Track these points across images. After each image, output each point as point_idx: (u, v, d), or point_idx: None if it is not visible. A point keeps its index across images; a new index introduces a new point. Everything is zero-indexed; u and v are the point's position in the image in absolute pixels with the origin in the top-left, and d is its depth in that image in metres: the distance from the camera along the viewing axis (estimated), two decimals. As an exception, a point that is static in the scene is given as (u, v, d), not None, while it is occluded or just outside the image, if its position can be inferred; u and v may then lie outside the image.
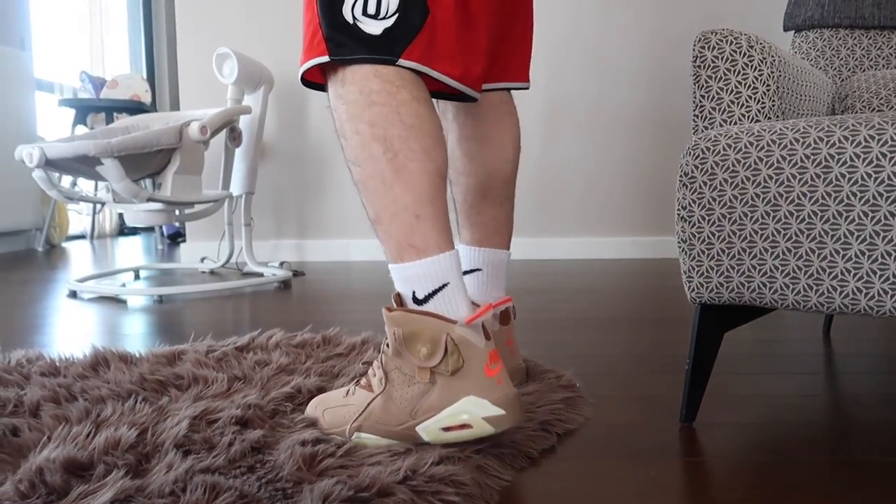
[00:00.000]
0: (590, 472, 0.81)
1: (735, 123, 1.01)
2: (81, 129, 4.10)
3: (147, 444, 0.79)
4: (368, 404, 0.83)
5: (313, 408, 0.91)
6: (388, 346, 0.84)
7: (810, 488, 0.75)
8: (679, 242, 0.93)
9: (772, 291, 0.86)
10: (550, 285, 2.22)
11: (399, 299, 0.85)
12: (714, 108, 1.01)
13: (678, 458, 0.84)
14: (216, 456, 0.76)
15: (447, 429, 0.81)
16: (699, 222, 0.91)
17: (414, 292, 0.83)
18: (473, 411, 0.80)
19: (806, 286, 0.84)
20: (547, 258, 3.01)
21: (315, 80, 0.90)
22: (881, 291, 0.79)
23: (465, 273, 1.10)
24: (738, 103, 1.01)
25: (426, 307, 0.83)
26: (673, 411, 1.00)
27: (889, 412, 0.98)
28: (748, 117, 1.01)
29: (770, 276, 0.86)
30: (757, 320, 1.65)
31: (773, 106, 1.02)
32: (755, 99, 1.00)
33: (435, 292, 0.83)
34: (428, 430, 0.81)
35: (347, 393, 0.88)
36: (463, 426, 0.80)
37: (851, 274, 0.80)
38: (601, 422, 0.97)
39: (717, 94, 1.01)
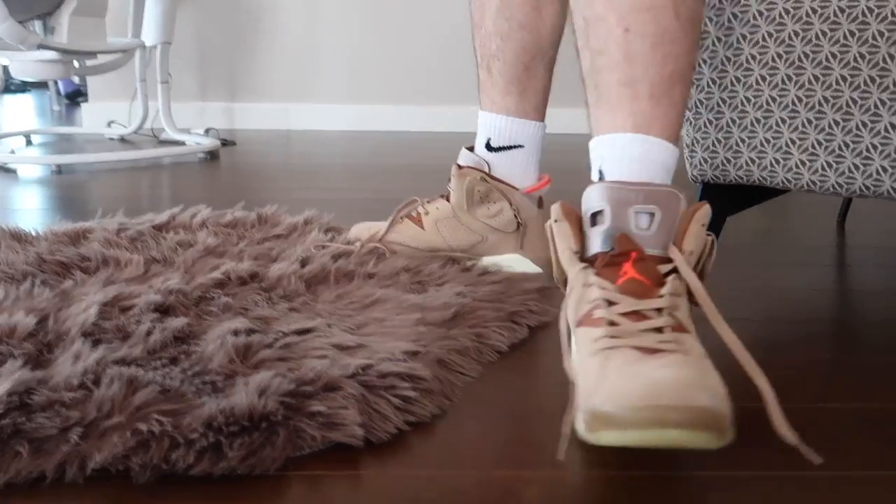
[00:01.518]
0: (562, 367, 0.83)
1: (759, -33, 0.98)
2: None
3: (49, 331, 0.79)
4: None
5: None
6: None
7: (804, 387, 0.78)
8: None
9: (785, 169, 0.87)
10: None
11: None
12: (735, -53, 0.97)
13: (665, 356, 0.86)
14: (132, 346, 0.76)
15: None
16: (709, 86, 0.89)
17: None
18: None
19: (825, 164, 0.84)
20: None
21: None
22: (909, 171, 0.79)
23: (504, 149, 1.11)
24: (764, -58, 0.97)
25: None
26: (661, 306, 1.03)
27: (899, 310, 1.02)
28: (775, -40, 0.97)
29: (785, 152, 0.86)
30: (762, 205, 1.67)
31: (806, -53, 0.98)
32: (785, -63, 0.97)
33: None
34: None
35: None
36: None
37: (878, 150, 0.81)
38: (580, 316, 0.99)
39: (741, -71, 0.97)
